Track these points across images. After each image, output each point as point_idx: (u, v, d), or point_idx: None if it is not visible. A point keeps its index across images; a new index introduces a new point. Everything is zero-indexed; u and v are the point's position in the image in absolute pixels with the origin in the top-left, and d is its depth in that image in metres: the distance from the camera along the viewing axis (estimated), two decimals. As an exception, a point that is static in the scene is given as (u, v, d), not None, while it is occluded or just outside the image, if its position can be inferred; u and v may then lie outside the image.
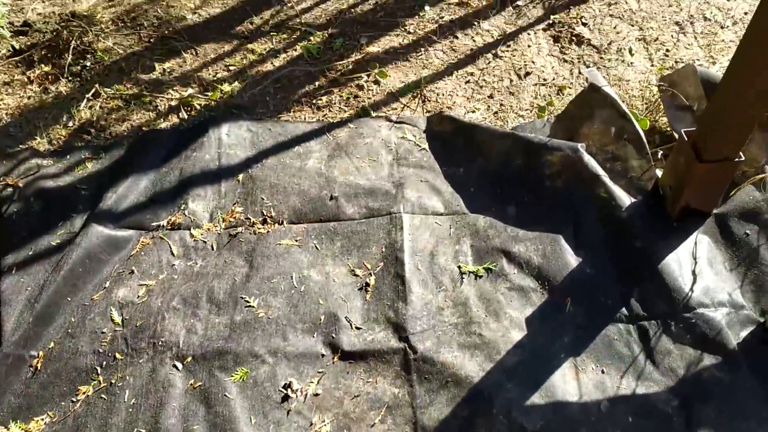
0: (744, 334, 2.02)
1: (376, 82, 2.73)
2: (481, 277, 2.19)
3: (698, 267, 2.10)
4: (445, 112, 2.56)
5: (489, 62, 2.80)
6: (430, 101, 2.67)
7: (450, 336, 2.05)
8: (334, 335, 2.07)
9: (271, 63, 2.84)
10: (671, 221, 2.20)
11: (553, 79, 2.74)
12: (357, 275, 2.20)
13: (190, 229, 2.35)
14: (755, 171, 2.29)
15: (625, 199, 2.23)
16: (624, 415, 1.89)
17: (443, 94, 2.69)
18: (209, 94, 2.71)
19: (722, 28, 2.88)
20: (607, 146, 2.35)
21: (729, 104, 1.90)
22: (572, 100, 2.48)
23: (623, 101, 2.63)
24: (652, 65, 2.76)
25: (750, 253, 2.16)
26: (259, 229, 2.33)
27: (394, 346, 2.03)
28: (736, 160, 2.02)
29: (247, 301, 2.15)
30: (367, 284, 2.18)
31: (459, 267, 2.21)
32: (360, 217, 2.34)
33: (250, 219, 2.36)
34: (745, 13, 2.94)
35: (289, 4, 3.10)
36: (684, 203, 2.15)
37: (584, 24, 2.92)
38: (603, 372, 1.98)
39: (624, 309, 2.07)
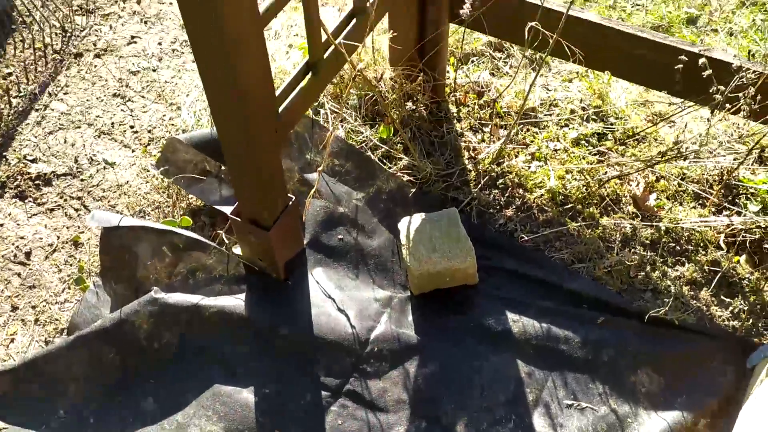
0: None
1: None
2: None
3: (338, 301, 2.06)
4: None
5: (-24, 276, 2.20)
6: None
7: None
8: None
9: None
10: (286, 282, 2.09)
11: (59, 237, 2.29)
12: None
13: None
14: (299, 181, 2.29)
15: (234, 300, 2.03)
16: None
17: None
18: None
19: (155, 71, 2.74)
20: (176, 269, 2.08)
21: (238, 165, 1.79)
22: (100, 251, 2.10)
23: (136, 211, 2.34)
24: (134, 152, 2.50)
25: (356, 247, 2.20)
26: None
27: None
28: (290, 203, 1.96)
29: None
30: None
31: None
32: None
33: None
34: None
35: None
36: (282, 263, 2.05)
37: (34, 160, 2.47)
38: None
39: (324, 393, 1.94)
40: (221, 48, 1.42)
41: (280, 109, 1.74)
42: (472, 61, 2.75)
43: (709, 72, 1.87)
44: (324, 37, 1.79)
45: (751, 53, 2.69)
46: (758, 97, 1.82)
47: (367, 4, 1.97)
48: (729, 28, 2.90)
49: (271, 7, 1.57)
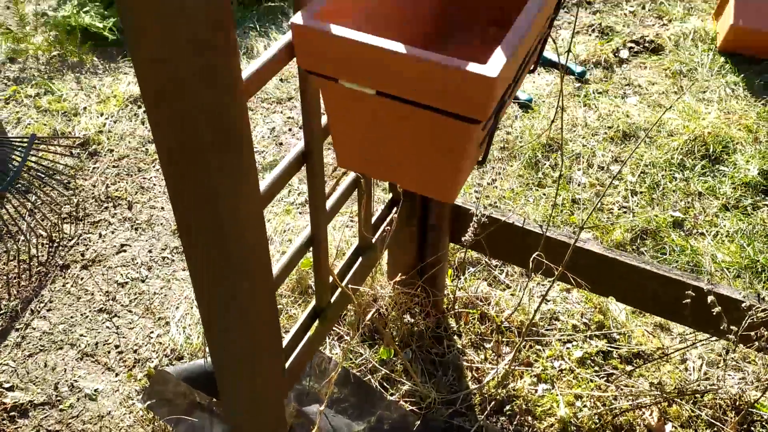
0: None
1: None
2: None
3: None
4: None
5: None
6: None
7: None
8: None
9: None
10: None
11: (30, 481, 2.09)
12: None
13: None
14: (295, 411, 2.15)
15: None
16: None
17: None
18: None
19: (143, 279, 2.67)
20: None
21: (239, 424, 1.66)
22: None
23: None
24: (117, 376, 2.36)
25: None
26: None
27: None
28: (293, 454, 1.82)
29: None
30: None
31: None
32: None
33: None
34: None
35: None
36: None
37: (10, 388, 2.30)
38: None
39: None
40: (234, 311, 1.35)
41: (287, 364, 1.65)
42: (469, 271, 2.73)
43: (718, 309, 1.85)
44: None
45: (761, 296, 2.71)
46: (774, 341, 1.80)
47: (373, 240, 1.95)
48: (715, 231, 2.97)
49: (283, 270, 1.53)
